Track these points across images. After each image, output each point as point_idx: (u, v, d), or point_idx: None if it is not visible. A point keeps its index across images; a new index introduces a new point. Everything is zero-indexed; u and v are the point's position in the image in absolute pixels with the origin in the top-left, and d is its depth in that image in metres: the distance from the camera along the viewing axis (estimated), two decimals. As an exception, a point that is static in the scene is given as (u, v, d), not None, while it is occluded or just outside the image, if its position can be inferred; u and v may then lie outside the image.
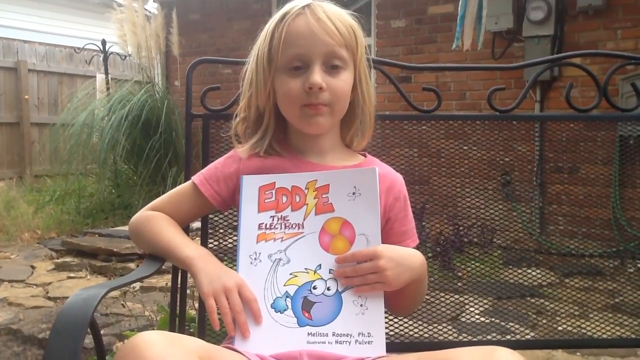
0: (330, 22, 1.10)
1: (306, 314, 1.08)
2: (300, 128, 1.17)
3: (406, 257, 1.10)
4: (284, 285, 1.09)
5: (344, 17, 1.14)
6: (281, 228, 1.13)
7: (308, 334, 1.06)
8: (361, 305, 1.08)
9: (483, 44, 3.93)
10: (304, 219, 1.13)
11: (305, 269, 1.10)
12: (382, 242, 1.15)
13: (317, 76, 1.09)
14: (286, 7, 1.13)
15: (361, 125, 1.21)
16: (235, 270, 1.11)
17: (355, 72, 1.15)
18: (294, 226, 1.13)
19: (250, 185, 1.16)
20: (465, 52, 3.95)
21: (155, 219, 1.21)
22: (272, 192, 1.15)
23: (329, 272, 1.10)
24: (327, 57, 1.10)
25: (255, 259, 1.11)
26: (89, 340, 2.44)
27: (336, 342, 1.06)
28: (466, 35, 3.58)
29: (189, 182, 1.25)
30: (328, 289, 1.09)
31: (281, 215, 1.14)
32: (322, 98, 1.11)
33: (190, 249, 1.13)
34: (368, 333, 1.07)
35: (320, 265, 1.11)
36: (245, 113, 1.20)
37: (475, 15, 3.53)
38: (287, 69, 1.12)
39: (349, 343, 1.06)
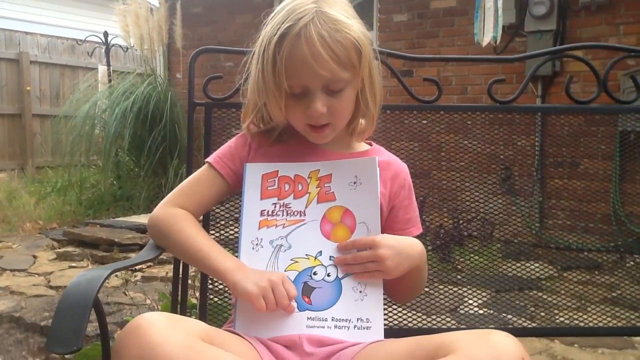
0: (326, 51, 1.05)
1: (306, 299, 1.09)
2: (307, 138, 1.19)
3: (405, 246, 1.11)
4: (285, 271, 1.11)
5: (343, 33, 1.07)
6: (283, 215, 1.15)
7: (307, 318, 1.08)
8: (360, 291, 1.10)
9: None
10: (306, 207, 1.15)
11: (306, 255, 1.12)
12: (388, 230, 1.17)
13: (318, 104, 1.10)
14: (284, 23, 1.07)
15: (366, 118, 1.22)
16: (237, 254, 1.13)
17: (359, 79, 1.13)
18: (295, 213, 1.15)
19: (254, 173, 1.18)
20: (469, 46, 3.94)
21: (184, 221, 1.17)
22: (274, 180, 1.17)
23: (330, 259, 1.12)
24: (326, 83, 1.10)
25: (257, 244, 1.13)
26: (91, 328, 2.45)
27: (335, 326, 1.08)
28: (486, 30, 3.54)
29: (203, 167, 1.25)
30: (328, 275, 1.11)
31: (283, 203, 1.15)
32: (324, 119, 1.13)
33: (228, 262, 1.10)
34: (367, 319, 1.09)
35: (320, 252, 1.12)
36: (252, 107, 1.20)
37: (494, 10, 3.49)
38: (291, 93, 1.11)
39: (348, 328, 1.08)
